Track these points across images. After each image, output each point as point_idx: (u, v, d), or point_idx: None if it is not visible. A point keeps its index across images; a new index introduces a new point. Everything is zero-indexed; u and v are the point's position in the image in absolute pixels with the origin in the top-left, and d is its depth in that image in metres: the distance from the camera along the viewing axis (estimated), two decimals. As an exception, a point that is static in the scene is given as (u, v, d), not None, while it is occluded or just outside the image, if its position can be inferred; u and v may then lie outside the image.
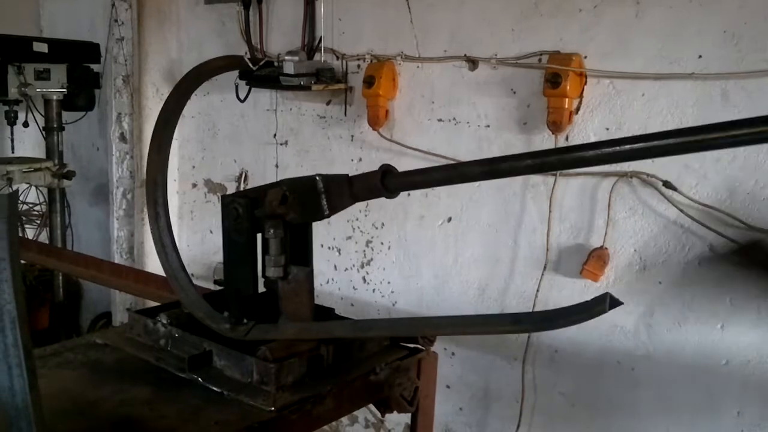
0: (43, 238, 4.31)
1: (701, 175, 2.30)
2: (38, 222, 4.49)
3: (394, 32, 2.98)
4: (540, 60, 2.58)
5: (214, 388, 1.41)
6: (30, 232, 4.51)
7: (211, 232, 3.91)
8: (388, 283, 3.18)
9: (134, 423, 1.30)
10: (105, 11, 3.85)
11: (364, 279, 3.27)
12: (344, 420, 3.39)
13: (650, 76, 2.35)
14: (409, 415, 1.66)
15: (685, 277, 2.37)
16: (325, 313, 1.68)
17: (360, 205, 3.13)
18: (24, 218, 4.43)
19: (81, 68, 3.86)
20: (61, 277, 4.20)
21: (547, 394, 2.73)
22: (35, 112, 4.05)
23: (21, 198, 4.35)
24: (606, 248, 2.50)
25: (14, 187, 3.73)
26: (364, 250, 3.24)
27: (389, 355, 1.59)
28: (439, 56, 2.86)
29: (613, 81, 2.44)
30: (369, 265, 3.24)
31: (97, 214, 4.39)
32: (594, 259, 2.47)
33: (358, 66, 3.12)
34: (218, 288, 1.80)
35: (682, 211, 2.33)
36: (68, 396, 1.39)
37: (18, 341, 1.02)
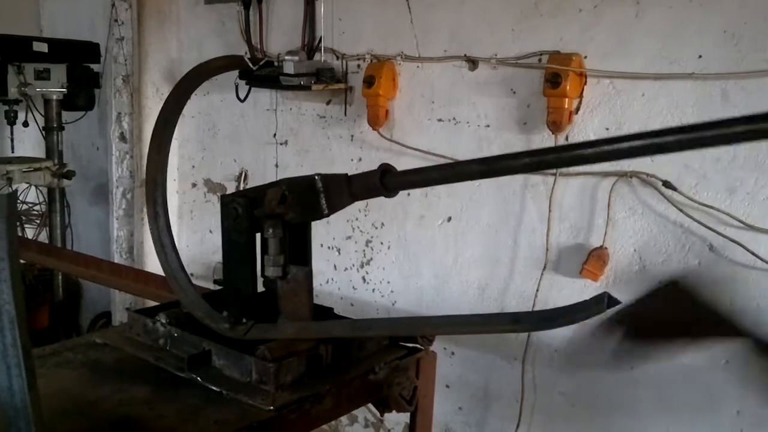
0: (43, 237, 4.32)
1: (701, 174, 2.30)
2: (38, 222, 4.49)
3: (394, 32, 2.98)
4: (540, 60, 2.58)
5: (213, 388, 1.41)
6: (30, 232, 4.51)
7: (210, 231, 3.91)
8: (388, 282, 3.18)
9: (133, 422, 1.30)
10: (105, 11, 3.85)
11: (363, 279, 3.27)
12: (344, 419, 3.39)
13: (650, 76, 2.35)
14: (408, 414, 1.66)
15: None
16: (324, 313, 1.68)
17: (360, 205, 3.14)
18: (24, 218, 4.43)
19: (81, 68, 3.86)
20: (60, 277, 4.20)
21: (547, 393, 2.73)
22: (35, 111, 4.05)
23: (21, 198, 4.35)
24: (606, 248, 2.50)
25: (14, 187, 3.73)
26: (364, 250, 3.24)
27: (388, 354, 1.59)
28: (439, 56, 2.86)
29: (613, 81, 2.44)
30: (369, 265, 3.24)
31: (97, 213, 4.39)
32: (594, 259, 2.46)
33: (358, 66, 3.12)
34: (218, 288, 1.80)
35: (681, 210, 2.33)
36: (68, 396, 1.39)
37: (17, 341, 1.02)
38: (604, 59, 2.45)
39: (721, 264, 2.29)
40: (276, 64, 3.19)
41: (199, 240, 3.98)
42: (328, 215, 1.41)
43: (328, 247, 3.34)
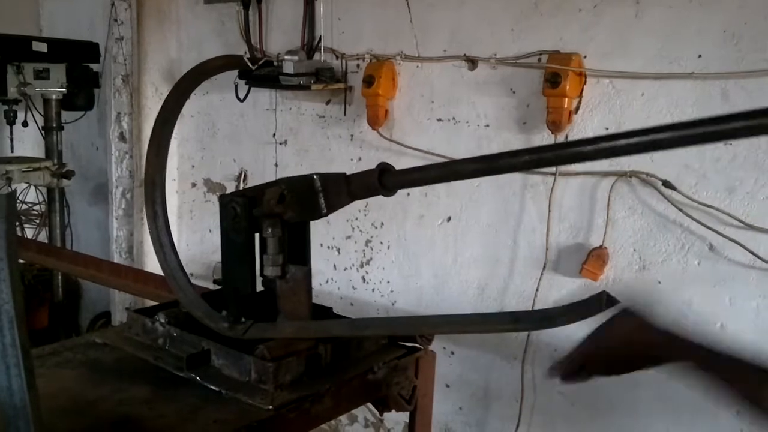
0: (43, 237, 4.31)
1: (701, 174, 2.30)
2: (37, 221, 4.49)
3: (393, 32, 2.98)
4: (540, 60, 2.58)
5: (213, 387, 1.41)
6: (29, 232, 4.51)
7: (210, 231, 3.91)
8: (388, 282, 3.18)
9: (133, 422, 1.30)
10: (104, 11, 3.85)
11: (363, 278, 3.27)
12: (343, 419, 3.39)
13: (650, 75, 2.35)
14: (408, 414, 1.66)
15: (685, 276, 2.37)
16: (323, 312, 1.68)
17: (359, 205, 3.14)
18: (23, 218, 4.43)
19: (80, 68, 3.86)
20: (60, 277, 4.19)
21: (547, 393, 2.72)
22: (34, 111, 4.04)
23: (20, 197, 4.35)
24: (605, 248, 2.50)
25: (13, 187, 3.73)
26: (364, 250, 3.24)
27: (387, 354, 1.59)
28: (439, 56, 2.86)
29: (613, 81, 2.44)
30: (368, 265, 3.24)
31: (97, 213, 4.39)
32: (593, 259, 2.46)
33: (358, 66, 3.12)
34: (217, 287, 1.80)
35: (681, 210, 2.33)
36: (67, 395, 1.39)
37: (16, 341, 1.02)
38: (603, 59, 2.45)
39: (720, 264, 2.29)
40: (275, 63, 3.19)
41: (198, 240, 3.99)
42: (326, 214, 1.41)
43: (328, 247, 3.34)
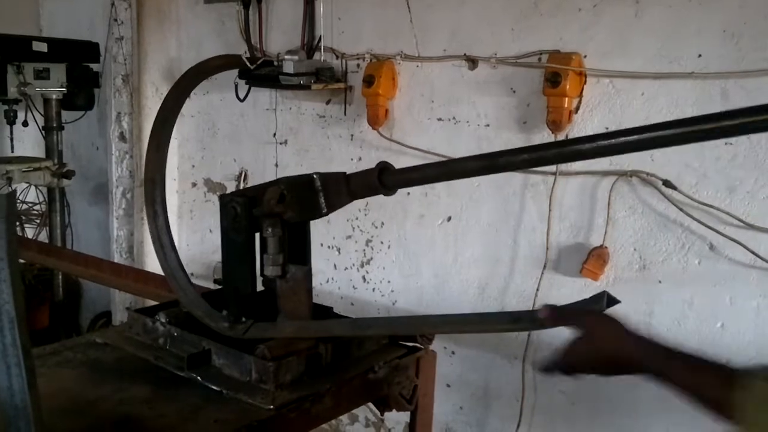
0: (43, 237, 4.31)
1: (701, 173, 2.30)
2: (38, 221, 4.49)
3: (393, 32, 2.98)
4: (540, 59, 2.57)
5: (213, 387, 1.41)
6: (30, 232, 4.51)
7: (210, 231, 3.91)
8: (388, 282, 3.18)
9: (133, 422, 1.30)
10: (104, 10, 3.85)
11: (363, 278, 3.27)
12: (344, 419, 3.39)
13: (650, 75, 2.35)
14: (409, 413, 1.66)
15: (685, 276, 2.37)
16: (323, 312, 1.68)
17: (360, 204, 3.14)
18: (23, 218, 4.43)
19: (80, 67, 3.86)
20: (60, 277, 4.19)
21: (548, 392, 2.72)
22: (35, 111, 4.04)
23: (21, 197, 4.34)
24: (606, 247, 2.50)
25: (14, 187, 3.73)
26: (364, 249, 3.24)
27: (388, 353, 1.60)
28: (439, 56, 2.86)
29: (613, 80, 2.44)
30: (369, 264, 3.24)
31: (97, 213, 4.39)
32: (594, 258, 2.46)
33: (358, 65, 3.12)
34: (217, 287, 1.80)
35: (681, 210, 2.33)
36: (67, 395, 1.39)
37: (16, 341, 1.02)
38: (603, 58, 2.45)
39: (721, 263, 2.29)
40: (275, 63, 3.19)
41: (199, 239, 3.98)
42: (326, 214, 1.41)
43: (328, 247, 3.34)
